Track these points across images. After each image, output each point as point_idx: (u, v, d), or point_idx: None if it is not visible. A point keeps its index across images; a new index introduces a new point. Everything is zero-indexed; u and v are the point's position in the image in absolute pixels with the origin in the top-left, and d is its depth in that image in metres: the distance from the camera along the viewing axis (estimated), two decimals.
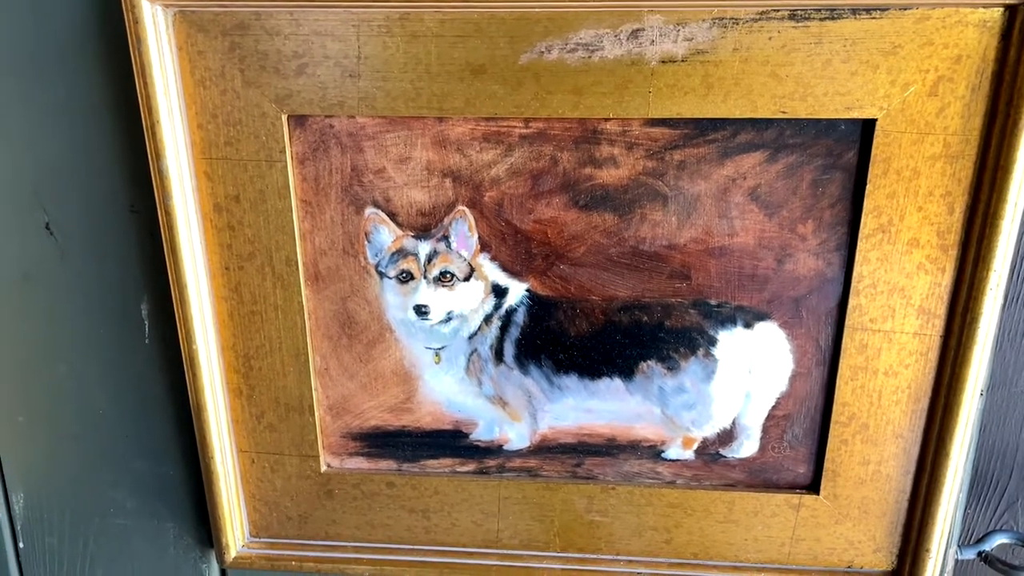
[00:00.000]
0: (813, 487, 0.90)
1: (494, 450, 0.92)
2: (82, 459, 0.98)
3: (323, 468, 0.93)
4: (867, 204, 0.77)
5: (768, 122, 0.76)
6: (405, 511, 0.95)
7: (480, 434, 0.92)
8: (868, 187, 0.76)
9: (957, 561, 0.98)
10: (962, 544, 0.99)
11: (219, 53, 0.76)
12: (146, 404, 0.94)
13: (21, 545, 1.03)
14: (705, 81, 0.74)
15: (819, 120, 0.75)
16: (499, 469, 0.93)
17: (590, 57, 0.73)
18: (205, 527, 0.99)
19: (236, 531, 0.96)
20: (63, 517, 1.02)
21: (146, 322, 0.90)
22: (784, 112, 0.74)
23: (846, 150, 0.76)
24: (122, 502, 1.00)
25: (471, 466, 0.93)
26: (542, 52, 0.73)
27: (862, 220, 0.77)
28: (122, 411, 0.95)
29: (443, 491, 0.93)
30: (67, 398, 0.95)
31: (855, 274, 0.79)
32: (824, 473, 0.88)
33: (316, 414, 0.90)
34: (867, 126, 0.75)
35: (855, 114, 0.74)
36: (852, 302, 0.81)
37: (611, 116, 0.76)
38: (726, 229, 0.80)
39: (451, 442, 0.92)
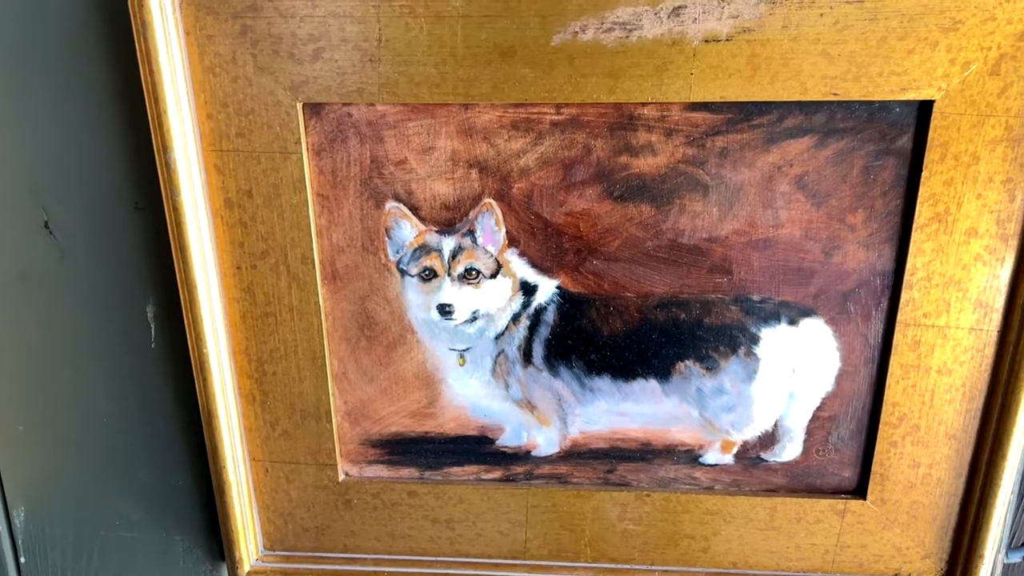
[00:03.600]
0: (860, 491, 0.87)
1: (522, 456, 0.89)
2: (85, 469, 0.95)
3: (341, 477, 0.90)
4: (922, 192, 0.74)
5: (818, 105, 0.72)
6: (428, 521, 0.92)
7: (507, 440, 0.89)
8: (924, 173, 0.73)
9: (1004, 565, 0.94)
10: (1009, 547, 0.95)
11: (230, 37, 0.72)
12: (153, 411, 0.91)
13: (23, 560, 1.00)
14: (751, 61, 0.70)
15: (872, 102, 0.72)
16: (527, 476, 0.90)
17: (628, 37, 0.70)
18: (216, 540, 0.96)
19: (249, 544, 0.93)
20: (66, 530, 0.98)
21: (152, 325, 0.87)
22: (836, 94, 0.71)
23: (900, 134, 0.73)
24: (128, 514, 0.97)
25: (497, 473, 0.90)
26: (576, 32, 0.70)
27: (917, 209, 0.74)
28: (127, 418, 0.92)
29: (468, 500, 0.90)
30: (69, 405, 0.92)
31: (908, 266, 0.76)
32: (872, 477, 0.85)
33: (333, 421, 0.87)
34: (924, 108, 0.71)
35: (911, 95, 0.70)
36: (904, 296, 0.77)
37: (649, 100, 0.72)
38: (771, 220, 0.77)
39: (476, 448, 0.89)
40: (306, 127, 0.76)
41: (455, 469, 0.90)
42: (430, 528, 0.92)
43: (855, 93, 0.71)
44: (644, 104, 0.73)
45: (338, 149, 0.77)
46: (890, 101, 0.72)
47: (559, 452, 0.89)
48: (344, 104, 0.75)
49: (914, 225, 0.75)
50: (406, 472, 0.91)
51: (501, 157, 0.76)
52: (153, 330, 0.87)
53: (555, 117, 0.74)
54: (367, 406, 0.88)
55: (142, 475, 0.95)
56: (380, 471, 0.91)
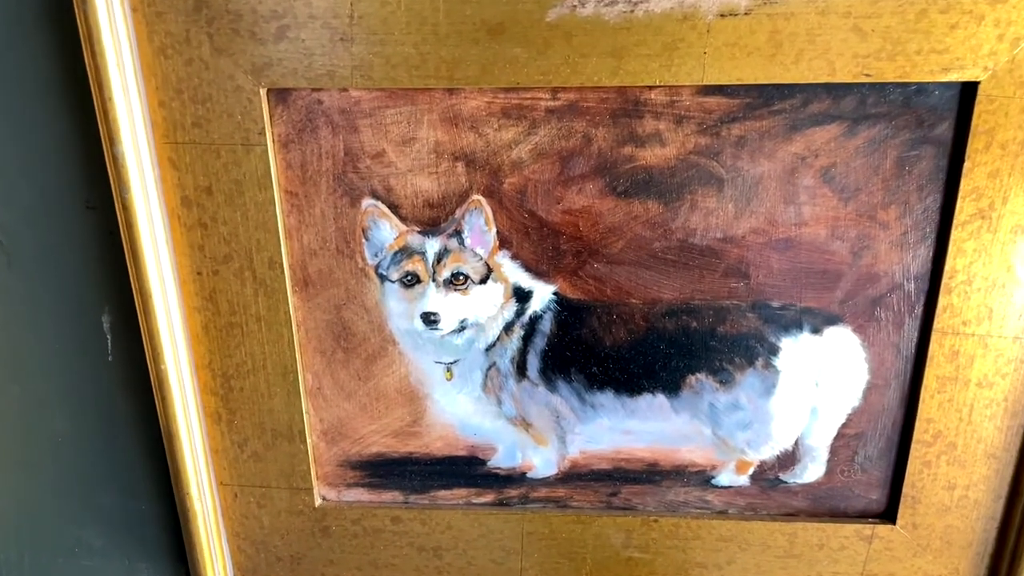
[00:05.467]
0: (888, 515, 0.84)
1: (516, 478, 0.86)
2: (40, 493, 0.91)
3: (318, 502, 0.87)
4: (964, 185, 0.70)
5: (847, 88, 0.68)
6: (414, 549, 0.89)
7: (500, 460, 0.86)
8: (966, 164, 0.69)
9: None
10: None
11: (182, 14, 0.68)
12: (112, 430, 0.87)
13: None
14: (773, 38, 0.66)
15: (909, 84, 0.68)
16: (522, 500, 0.87)
17: (633, 11, 0.65)
18: (184, 567, 0.92)
19: (218, 574, 0.89)
20: (21, 558, 0.95)
21: (108, 336, 0.83)
22: (868, 75, 0.67)
23: (940, 120, 0.69)
24: (88, 541, 0.94)
25: (489, 497, 0.87)
26: (574, 6, 0.66)
27: (957, 204, 0.70)
28: (85, 438, 0.88)
29: (457, 526, 0.87)
30: (20, 424, 0.88)
31: (947, 268, 0.73)
32: (902, 499, 0.82)
33: (308, 441, 0.84)
34: (967, 91, 0.68)
35: (953, 76, 0.66)
36: (942, 302, 0.74)
37: (657, 83, 0.68)
38: (793, 217, 0.73)
39: (466, 470, 0.86)
40: (271, 116, 0.72)
41: (443, 493, 0.87)
42: (416, 557, 0.89)
43: (890, 74, 0.66)
44: (651, 88, 0.69)
45: (307, 140, 0.73)
46: (929, 83, 0.67)
47: (557, 474, 0.86)
48: (313, 89, 0.71)
49: (954, 222, 0.71)
50: (389, 496, 0.88)
51: (491, 149, 0.73)
52: (109, 341, 0.83)
53: (551, 103, 0.71)
54: (345, 424, 0.85)
55: (102, 499, 0.91)
56: (360, 495, 0.88)
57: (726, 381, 0.79)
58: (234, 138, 0.72)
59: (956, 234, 0.71)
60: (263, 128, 0.71)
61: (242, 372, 0.81)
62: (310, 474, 0.85)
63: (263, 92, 0.70)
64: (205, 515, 0.85)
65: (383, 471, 0.87)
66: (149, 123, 0.72)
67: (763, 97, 0.69)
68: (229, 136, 0.72)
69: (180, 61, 0.69)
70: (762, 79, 0.67)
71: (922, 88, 0.68)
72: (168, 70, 0.70)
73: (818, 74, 0.66)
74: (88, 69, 0.68)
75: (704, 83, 0.68)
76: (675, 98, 0.69)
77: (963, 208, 0.70)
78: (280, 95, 0.71)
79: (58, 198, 0.78)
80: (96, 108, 0.70)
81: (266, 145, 0.72)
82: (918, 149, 0.70)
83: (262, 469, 0.85)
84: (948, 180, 0.70)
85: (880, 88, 0.68)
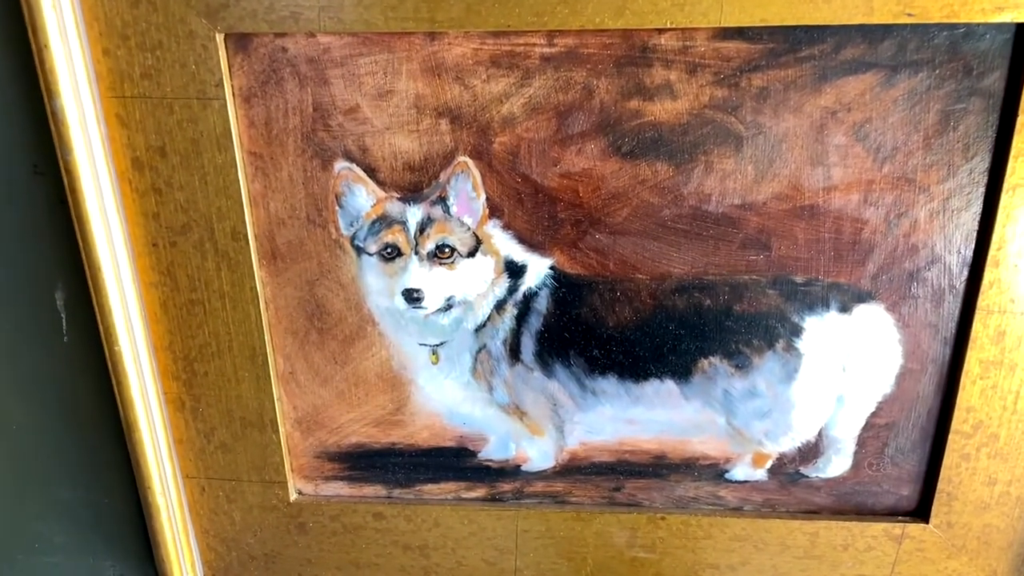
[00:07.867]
0: (921, 513, 0.81)
1: (510, 472, 0.84)
2: None
3: (293, 496, 0.85)
4: (1017, 143, 0.65)
5: (885, 31, 0.64)
6: (398, 548, 0.87)
7: (492, 452, 0.84)
8: (1020, 119, 0.65)
9: None
10: None
11: None
12: (70, 417, 0.85)
13: None
14: None
15: (955, 27, 0.63)
16: (516, 495, 0.85)
17: None
18: (152, 564, 0.90)
19: (186, 573, 0.87)
20: None
21: (63, 314, 0.80)
22: (910, 15, 0.62)
23: (990, 69, 0.65)
24: (49, 536, 0.91)
25: (481, 491, 0.85)
26: None
27: (1008, 165, 0.66)
28: (41, 426, 0.86)
29: (446, 523, 0.85)
30: None
31: (994, 239, 0.69)
32: (937, 496, 0.79)
33: (281, 430, 0.82)
34: (1022, 34, 0.63)
35: (1007, 16, 0.62)
36: (988, 276, 0.70)
37: (668, 26, 0.64)
38: (821, 180, 0.69)
39: (455, 462, 0.84)
40: (230, 65, 0.69)
41: (429, 487, 0.85)
42: (401, 556, 0.87)
43: (935, 13, 0.62)
44: (661, 31, 0.65)
45: (272, 94, 0.70)
46: (979, 24, 0.63)
47: (555, 467, 0.84)
48: (276, 35, 0.68)
49: (1004, 186, 0.67)
50: (371, 490, 0.86)
51: (478, 103, 0.69)
52: (64, 320, 0.80)
53: (546, 49, 0.67)
54: (321, 412, 0.83)
55: (63, 492, 0.89)
56: (339, 489, 0.86)
57: (742, 365, 0.77)
58: (189, 91, 0.68)
59: (1006, 199, 0.67)
60: (221, 80, 0.68)
61: (206, 355, 0.78)
62: (284, 466, 0.83)
63: (220, 38, 0.67)
64: (170, 510, 0.83)
65: (364, 463, 0.85)
66: (93, 74, 0.68)
67: (789, 42, 0.65)
68: (183, 89, 0.68)
69: (125, 3, 0.66)
70: (788, 20, 0.63)
71: (971, 31, 0.63)
72: (112, 13, 0.66)
73: (853, 14, 0.62)
74: (23, 11, 0.64)
75: (721, 25, 0.64)
76: (688, 43, 0.65)
77: (1015, 169, 0.66)
78: (239, 41, 0.68)
79: (3, 162, 0.74)
80: (33, 56, 0.65)
81: (225, 99, 0.69)
82: (965, 102, 0.66)
83: (231, 461, 0.83)
84: (998, 138, 0.66)
85: (923, 31, 0.64)
